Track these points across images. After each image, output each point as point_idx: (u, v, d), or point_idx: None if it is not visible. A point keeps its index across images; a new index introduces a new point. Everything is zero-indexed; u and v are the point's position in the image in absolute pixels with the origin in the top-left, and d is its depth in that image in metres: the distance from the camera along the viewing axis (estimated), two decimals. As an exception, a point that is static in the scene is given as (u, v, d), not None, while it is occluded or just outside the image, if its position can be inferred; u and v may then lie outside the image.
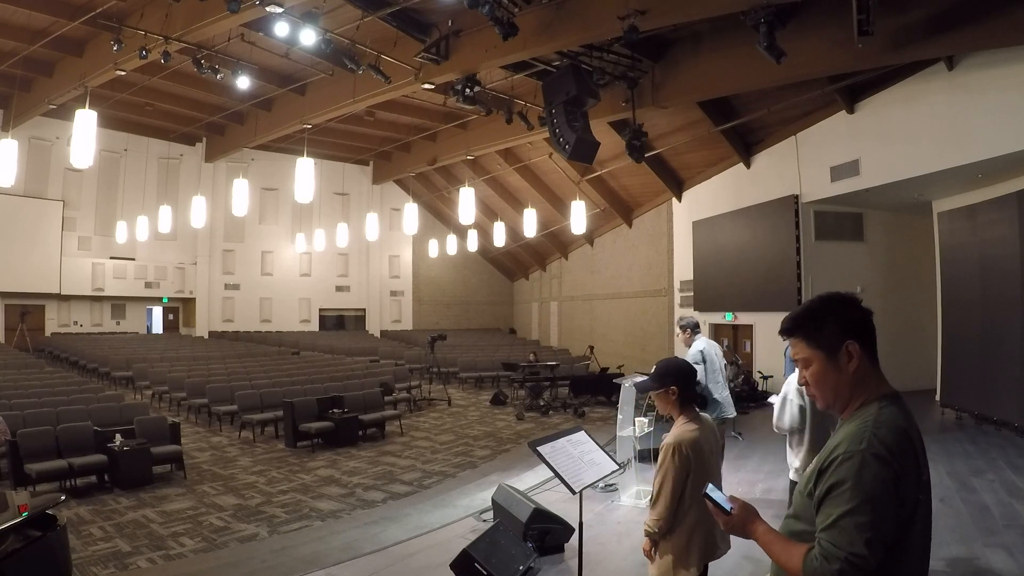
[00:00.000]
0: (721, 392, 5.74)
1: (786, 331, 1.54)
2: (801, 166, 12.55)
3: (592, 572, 4.26)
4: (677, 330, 6.17)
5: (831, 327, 1.47)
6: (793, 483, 4.05)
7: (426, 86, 11.95)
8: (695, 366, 5.36)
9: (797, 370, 4.15)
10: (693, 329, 5.99)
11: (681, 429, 2.60)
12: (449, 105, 14.42)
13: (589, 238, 21.17)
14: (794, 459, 3.98)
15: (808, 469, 1.46)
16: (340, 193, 23.59)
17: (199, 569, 4.93)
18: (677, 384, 2.65)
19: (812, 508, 1.38)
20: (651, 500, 2.60)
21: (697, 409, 2.71)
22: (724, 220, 14.72)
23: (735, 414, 5.85)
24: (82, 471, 7.06)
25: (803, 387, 1.55)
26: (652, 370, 2.78)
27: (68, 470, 6.93)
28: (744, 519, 1.54)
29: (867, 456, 1.30)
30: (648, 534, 2.56)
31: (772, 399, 4.36)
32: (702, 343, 5.88)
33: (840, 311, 1.49)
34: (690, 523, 2.52)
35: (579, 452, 3.49)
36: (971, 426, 9.13)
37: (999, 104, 8.48)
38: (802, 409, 3.87)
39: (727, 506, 1.58)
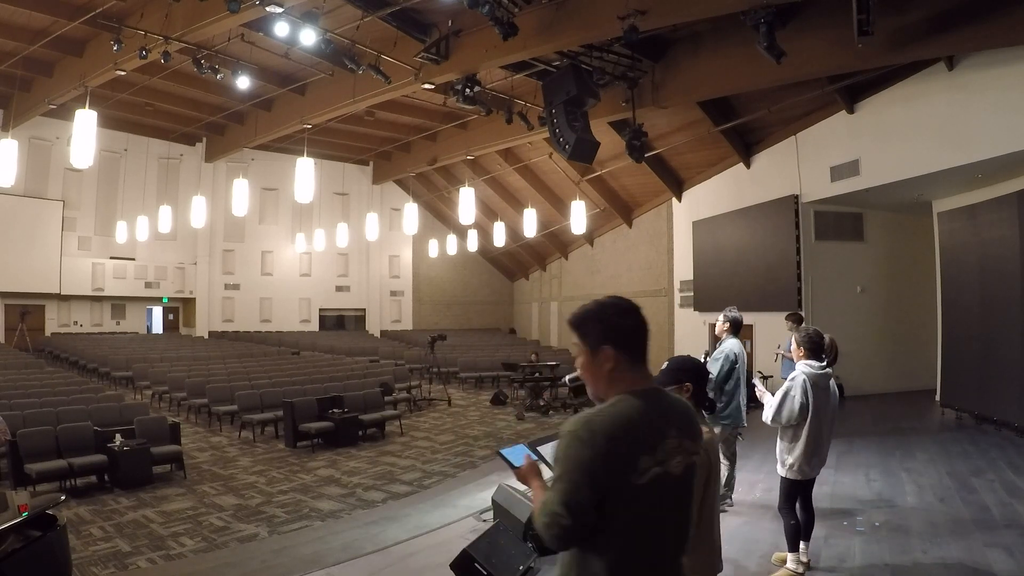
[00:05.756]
0: (743, 399, 5.43)
1: (569, 323, 1.73)
2: (801, 166, 12.54)
3: (592, 572, 4.24)
4: (720, 317, 5.65)
5: (595, 330, 1.65)
6: (783, 479, 4.03)
7: (426, 86, 11.94)
8: (730, 364, 5.31)
9: (798, 366, 4.12)
10: (734, 325, 5.56)
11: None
12: (449, 105, 14.41)
13: (589, 238, 21.17)
14: (787, 456, 3.96)
15: None
16: (340, 193, 23.59)
17: (199, 569, 4.93)
18: (692, 381, 2.52)
19: None
20: None
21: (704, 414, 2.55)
22: (724, 220, 14.72)
23: (746, 425, 5.64)
24: (82, 471, 7.06)
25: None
26: (664, 366, 2.66)
27: (68, 470, 6.93)
28: (526, 474, 1.80)
29: (571, 436, 1.51)
30: None
31: (758, 389, 4.27)
32: (735, 343, 5.50)
33: (607, 319, 1.65)
34: (711, 537, 2.37)
35: (579, 452, 3.48)
36: (971, 426, 9.13)
37: (999, 104, 8.48)
38: (803, 407, 3.84)
39: (518, 464, 1.85)
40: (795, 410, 3.85)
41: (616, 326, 1.64)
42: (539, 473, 1.80)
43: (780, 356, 8.30)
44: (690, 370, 2.59)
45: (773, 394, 4.03)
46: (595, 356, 1.64)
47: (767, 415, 3.97)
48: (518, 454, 1.89)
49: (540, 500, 1.59)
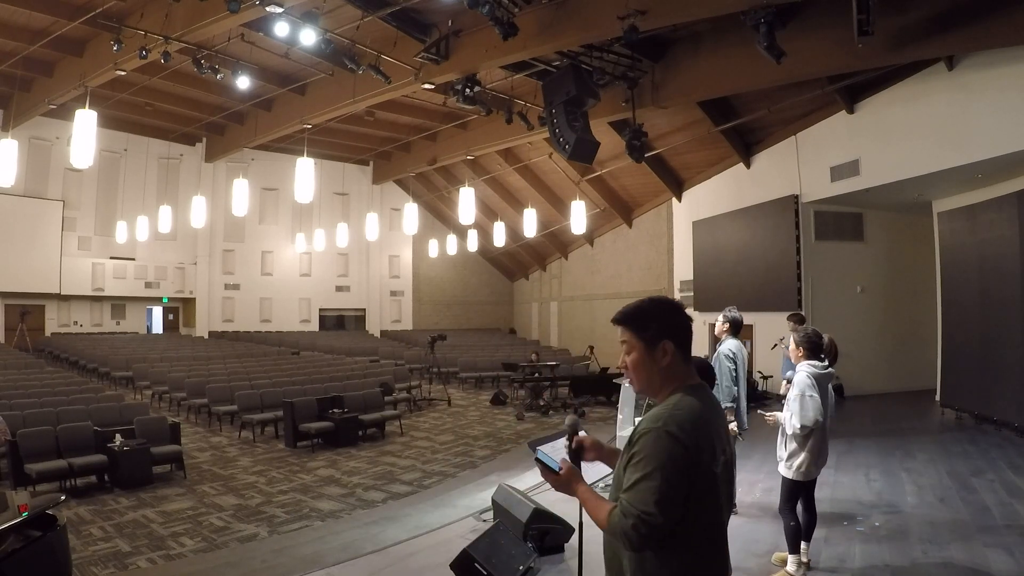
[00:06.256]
0: (744, 399, 5.37)
1: (618, 321, 1.76)
2: (801, 166, 12.55)
3: (592, 572, 4.23)
4: (720, 317, 5.56)
5: (654, 326, 1.70)
6: (787, 480, 4.01)
7: (426, 86, 11.94)
8: (728, 364, 5.29)
9: (801, 366, 4.09)
10: (734, 325, 5.47)
11: None
12: (449, 105, 14.41)
13: (589, 238, 21.17)
14: (795, 458, 3.92)
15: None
16: (340, 193, 23.59)
17: (199, 569, 4.93)
18: (708, 382, 2.57)
19: (621, 473, 1.62)
20: None
21: None
22: (724, 220, 14.72)
23: (747, 427, 5.59)
24: (82, 471, 7.06)
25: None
26: None
27: (68, 470, 6.93)
28: (570, 479, 1.76)
29: (661, 432, 1.53)
30: None
31: (767, 416, 4.21)
32: (734, 343, 5.43)
33: (664, 316, 1.72)
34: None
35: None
36: (971, 426, 9.13)
37: (999, 104, 8.48)
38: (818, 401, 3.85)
39: (556, 467, 1.76)
40: (819, 405, 3.83)
41: (673, 322, 1.72)
42: (582, 478, 1.77)
43: (781, 347, 8.28)
44: (705, 369, 2.66)
45: (782, 406, 4.00)
46: (653, 351, 1.69)
47: (796, 422, 3.87)
48: (553, 458, 1.82)
49: (612, 504, 1.56)
